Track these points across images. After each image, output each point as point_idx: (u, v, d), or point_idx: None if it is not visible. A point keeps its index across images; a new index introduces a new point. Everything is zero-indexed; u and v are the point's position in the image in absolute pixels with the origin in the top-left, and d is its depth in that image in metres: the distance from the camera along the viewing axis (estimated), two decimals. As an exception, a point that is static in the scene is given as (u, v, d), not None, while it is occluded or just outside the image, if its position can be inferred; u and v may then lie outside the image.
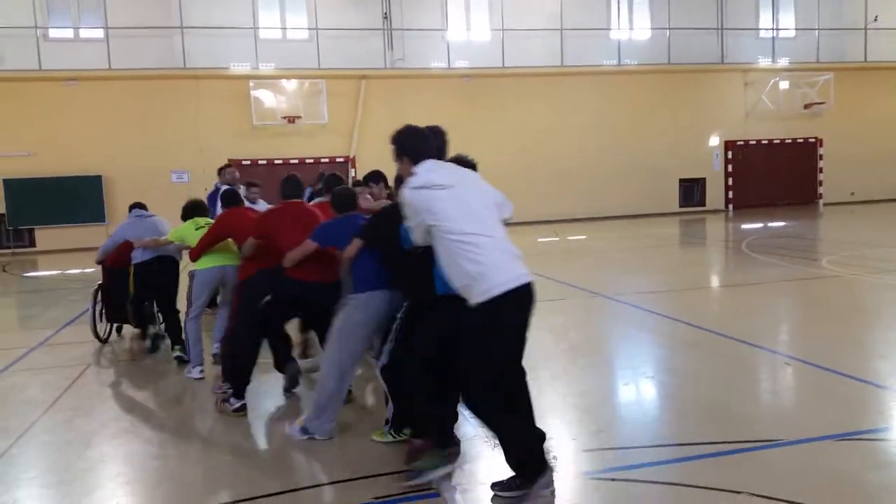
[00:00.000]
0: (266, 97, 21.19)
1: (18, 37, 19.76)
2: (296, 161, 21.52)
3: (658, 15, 24.65)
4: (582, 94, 23.51)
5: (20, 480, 4.41)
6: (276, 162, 21.47)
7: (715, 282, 11.46)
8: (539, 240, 17.90)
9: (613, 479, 4.02)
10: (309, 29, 21.97)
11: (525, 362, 6.42)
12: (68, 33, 20.76)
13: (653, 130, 24.06)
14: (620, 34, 24.42)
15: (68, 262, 16.96)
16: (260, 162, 21.30)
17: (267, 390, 5.97)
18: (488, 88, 22.77)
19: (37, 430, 5.27)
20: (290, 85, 21.33)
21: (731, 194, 25.48)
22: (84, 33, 20.79)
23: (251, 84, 20.97)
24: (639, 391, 5.81)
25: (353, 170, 21.94)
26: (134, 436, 5.15)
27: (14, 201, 19.45)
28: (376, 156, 21.67)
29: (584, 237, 18.51)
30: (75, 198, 19.60)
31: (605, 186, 23.49)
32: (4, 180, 19.39)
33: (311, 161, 21.65)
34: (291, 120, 21.20)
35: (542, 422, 4.99)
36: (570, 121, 23.36)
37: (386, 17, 22.26)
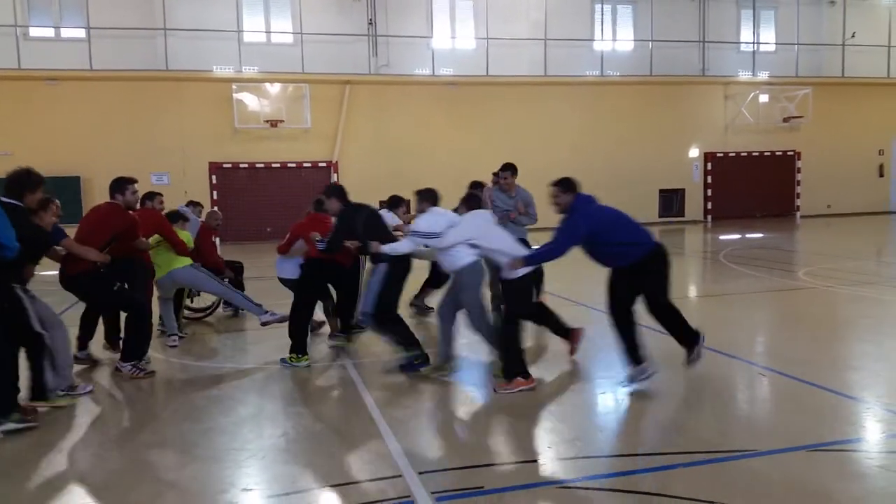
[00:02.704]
0: (249, 100, 21.11)
1: (-2, 35, 19.55)
2: (278, 165, 21.46)
3: (641, 27, 24.90)
4: (565, 104, 23.68)
5: None
6: (258, 165, 21.38)
7: (692, 292, 11.54)
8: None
9: (588, 489, 4.03)
10: (294, 33, 21.94)
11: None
12: (49, 32, 20.57)
13: (634, 141, 24.28)
14: (604, 45, 24.63)
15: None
16: (241, 165, 21.21)
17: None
18: (472, 96, 22.86)
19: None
20: (274, 89, 21.27)
21: (709, 205, 25.73)
22: (65, 33, 20.61)
23: (234, 87, 20.89)
24: (615, 400, 5.82)
25: (335, 174, 21.91)
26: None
27: (-10, 201, 19.17)
28: (359, 160, 21.85)
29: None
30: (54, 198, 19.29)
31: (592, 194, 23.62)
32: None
33: (294, 165, 21.59)
34: (274, 124, 21.12)
35: (517, 429, 5.09)
36: (552, 130, 23.50)
37: (371, 24, 22.29)
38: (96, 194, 19.28)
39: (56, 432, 5.28)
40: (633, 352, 5.85)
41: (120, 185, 6.66)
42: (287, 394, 6.22)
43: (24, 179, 5.51)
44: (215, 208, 11.54)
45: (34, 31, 20.40)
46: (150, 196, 7.80)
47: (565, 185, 6.18)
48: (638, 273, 5.76)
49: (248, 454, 4.70)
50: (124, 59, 20.31)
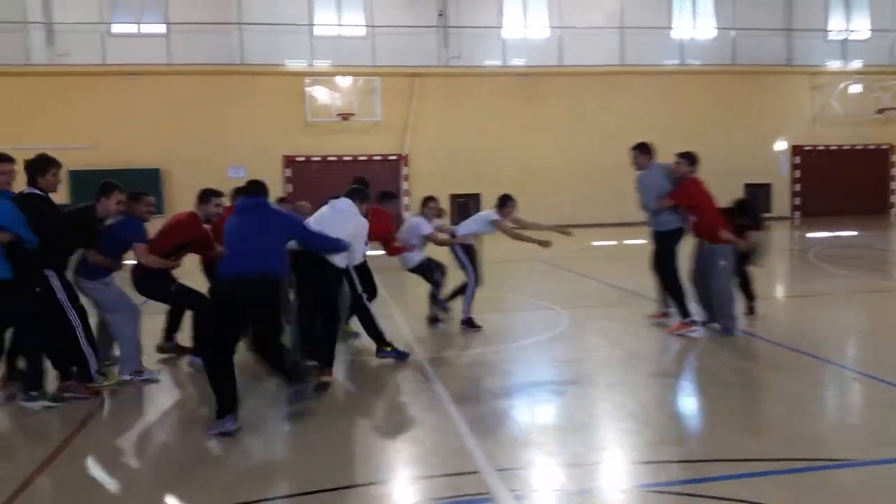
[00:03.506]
0: (321, 94, 21.27)
1: (83, 32, 20.26)
2: (349, 158, 21.54)
3: (723, 14, 23.88)
4: (642, 94, 22.92)
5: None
6: (330, 159, 21.52)
7: (780, 292, 10.89)
8: (593, 243, 17.45)
9: (671, 493, 3.76)
10: (365, 26, 21.98)
11: (580, 368, 6.25)
12: (131, 29, 21.21)
13: (716, 133, 23.27)
14: (682, 33, 23.74)
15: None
16: (313, 158, 21.39)
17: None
18: (545, 87, 22.39)
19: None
20: (345, 82, 21.36)
21: (797, 201, 24.49)
22: (146, 29, 21.22)
23: (306, 81, 21.08)
24: (699, 403, 5.49)
25: (404, 167, 21.86)
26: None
27: (78, 192, 19.93)
28: (429, 153, 21.73)
29: (644, 242, 17.91)
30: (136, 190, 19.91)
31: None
32: (70, 171, 19.89)
33: (364, 158, 21.64)
34: (345, 117, 21.22)
35: (598, 431, 4.79)
36: (627, 121, 22.77)
37: (441, 15, 22.10)
38: (175, 187, 19.81)
39: (123, 412, 5.32)
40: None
41: (206, 196, 6.51)
42: (362, 385, 6.13)
43: (33, 164, 5.51)
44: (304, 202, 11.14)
45: (116, 28, 21.08)
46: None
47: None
48: None
49: (320, 443, 4.59)
50: (201, 54, 20.77)
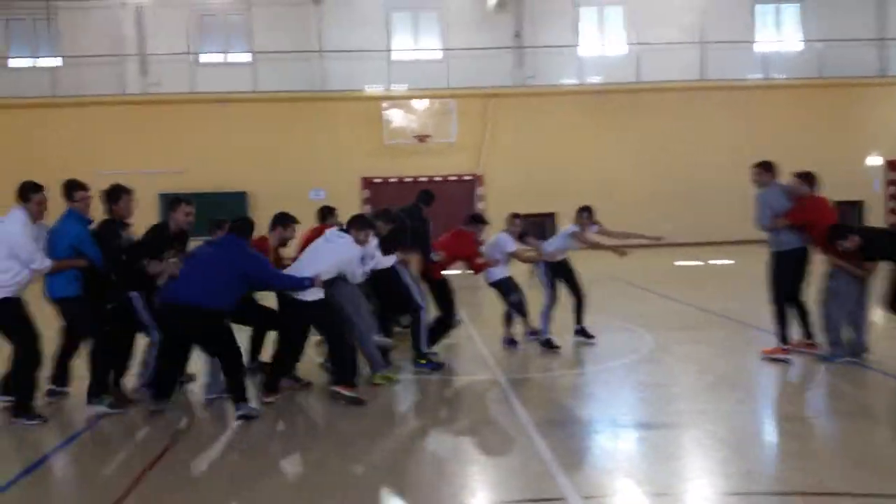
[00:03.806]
0: (397, 117, 21.62)
1: (174, 62, 21.34)
2: (425, 179, 21.70)
3: (809, 25, 22.99)
4: (722, 110, 22.25)
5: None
6: (406, 180, 21.77)
7: (879, 316, 10.26)
8: (676, 263, 16.97)
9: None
10: (441, 49, 22.26)
11: (667, 393, 6.03)
12: (218, 58, 22.17)
13: (800, 148, 22.17)
14: (766, 46, 22.97)
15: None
16: (390, 180, 21.68)
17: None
18: (622, 104, 22.06)
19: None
20: (421, 104, 21.65)
21: (894, 219, 23.15)
22: (232, 58, 22.13)
23: (384, 105, 21.47)
24: (794, 432, 5.19)
25: (479, 187, 21.89)
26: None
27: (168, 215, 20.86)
28: (503, 173, 21.70)
29: (731, 262, 17.34)
30: (222, 213, 20.49)
31: (750, 208, 21.96)
32: (160, 195, 20.85)
33: (440, 179, 21.78)
34: (422, 139, 21.48)
35: (687, 459, 4.59)
36: (710, 137, 22.15)
37: (518, 35, 22.15)
38: (260, 209, 20.44)
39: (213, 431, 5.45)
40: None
41: (283, 220, 6.59)
42: (443, 406, 6.15)
43: (107, 193, 6.04)
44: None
45: (205, 58, 22.08)
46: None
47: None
48: None
49: (401, 464, 4.59)
50: (284, 81, 21.49)
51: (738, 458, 4.59)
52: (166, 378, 5.75)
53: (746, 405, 5.85)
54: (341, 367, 5.99)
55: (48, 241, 5.77)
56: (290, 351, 6.14)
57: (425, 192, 7.79)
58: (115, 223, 6.02)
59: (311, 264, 5.89)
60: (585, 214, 8.06)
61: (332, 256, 5.97)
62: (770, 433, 5.28)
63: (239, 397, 5.57)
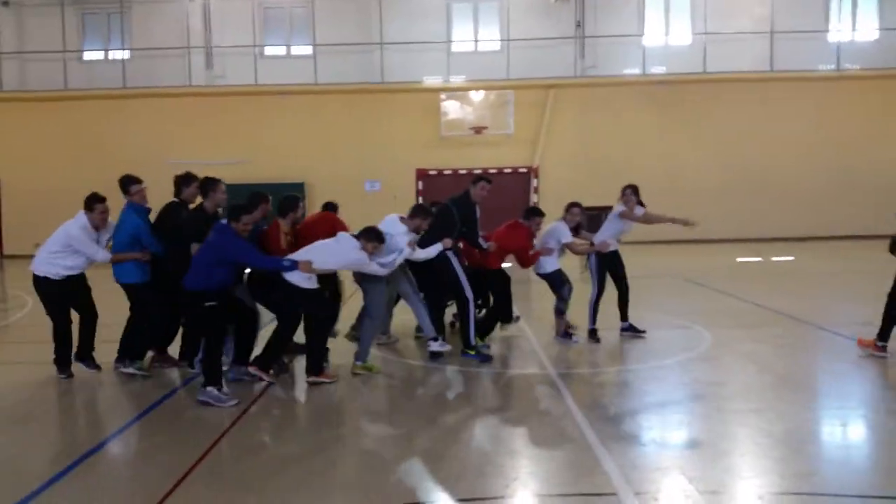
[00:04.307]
0: (455, 109, 21.59)
1: (238, 55, 21.82)
2: (479, 171, 21.68)
3: (888, 13, 21.93)
4: (792, 102, 21.43)
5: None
6: (461, 172, 21.75)
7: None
8: (738, 260, 16.51)
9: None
10: (500, 40, 22.13)
11: (724, 392, 5.90)
12: (281, 51, 22.58)
13: (881, 142, 21.36)
14: (840, 36, 22.04)
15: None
16: (445, 172, 21.71)
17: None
18: (687, 95, 21.48)
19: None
20: (479, 96, 21.57)
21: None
22: (295, 51, 22.51)
23: (442, 96, 21.49)
24: (855, 433, 5.04)
25: (535, 180, 21.72)
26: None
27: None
28: (560, 165, 21.48)
29: (791, 258, 16.78)
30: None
31: (821, 203, 21.10)
32: (226, 185, 21.42)
33: (495, 171, 21.70)
34: (478, 130, 21.41)
35: (743, 458, 4.48)
36: (778, 131, 21.40)
37: (579, 25, 21.83)
38: (318, 200, 20.76)
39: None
40: None
41: (290, 204, 6.87)
42: (494, 398, 6.14)
43: (177, 180, 6.78)
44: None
45: (269, 51, 22.52)
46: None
47: None
48: None
49: (451, 454, 4.61)
50: (344, 74, 21.73)
51: (794, 458, 4.46)
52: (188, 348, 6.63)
53: (806, 405, 5.67)
54: (313, 357, 6.34)
55: (113, 234, 6.59)
56: (284, 335, 6.38)
57: (478, 177, 7.65)
58: (181, 206, 6.64)
59: (311, 254, 6.13)
60: (629, 191, 7.91)
61: (335, 258, 6.30)
62: (830, 434, 5.11)
63: (209, 381, 5.78)
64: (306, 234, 6.72)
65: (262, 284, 6.28)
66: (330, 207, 7.68)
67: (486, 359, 7.04)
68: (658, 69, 21.92)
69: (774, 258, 16.74)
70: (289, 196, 6.84)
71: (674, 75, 21.66)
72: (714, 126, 21.38)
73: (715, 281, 12.71)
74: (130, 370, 6.63)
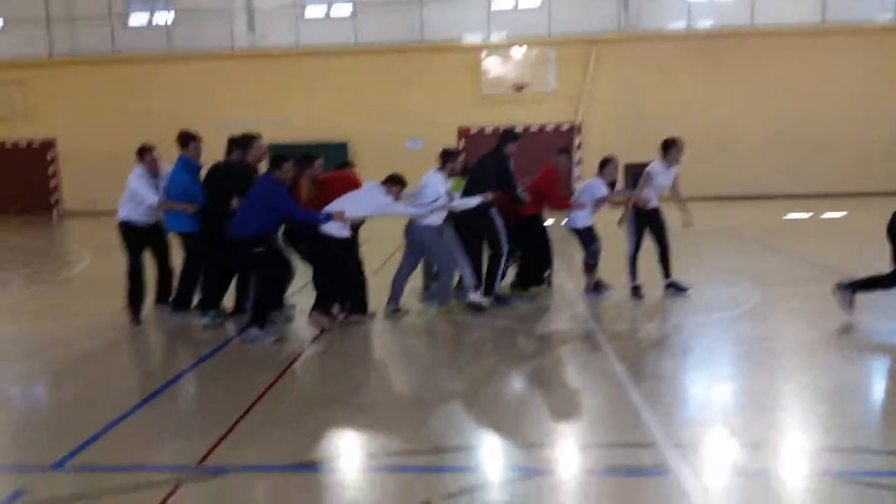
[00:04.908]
0: (495, 66, 21.34)
1: (279, 17, 21.86)
2: (521, 129, 21.46)
3: (952, -44, 20.81)
4: (847, 55, 20.61)
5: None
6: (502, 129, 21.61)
7: None
8: (788, 216, 16.15)
9: (866, 484, 3.47)
10: (542, -5, 21.68)
11: (770, 348, 5.86)
12: (321, 12, 22.52)
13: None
14: (898, -17, 21.00)
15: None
16: (486, 130, 21.58)
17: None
18: (734, 49, 20.84)
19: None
20: (520, 53, 21.27)
21: None
22: (334, 12, 22.43)
23: (483, 54, 21.24)
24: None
25: (577, 137, 21.44)
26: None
27: (274, 165, 21.70)
28: (603, 122, 21.14)
29: (842, 214, 16.34)
30: (325, 163, 21.30)
31: (874, 157, 20.43)
32: (269, 145, 21.65)
33: (536, 129, 21.49)
34: (519, 88, 21.17)
35: (786, 413, 4.48)
36: (831, 84, 20.65)
37: (623, -23, 21.24)
38: (359, 160, 20.89)
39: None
40: None
41: (306, 161, 7.12)
42: (534, 351, 6.20)
43: (235, 139, 7.03)
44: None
45: (309, 12, 22.48)
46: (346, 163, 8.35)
47: None
48: None
49: (491, 402, 4.69)
50: (384, 33, 21.61)
51: (839, 413, 4.44)
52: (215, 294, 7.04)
53: (854, 362, 5.60)
54: (324, 296, 6.79)
55: (166, 185, 7.03)
56: (330, 282, 6.78)
57: (505, 131, 7.85)
58: (231, 165, 6.91)
59: (341, 205, 6.56)
60: (671, 143, 7.68)
61: (364, 204, 6.73)
62: (878, 391, 5.06)
63: (255, 321, 6.29)
64: (327, 189, 7.02)
65: (299, 236, 6.74)
66: (345, 165, 8.10)
67: (479, 308, 7.19)
68: (704, 22, 21.26)
69: (825, 214, 16.33)
70: (306, 154, 7.21)
71: (720, 28, 21.00)
72: (762, 80, 20.73)
73: (763, 237, 12.50)
74: (206, 320, 6.93)
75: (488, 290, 7.43)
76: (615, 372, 5.32)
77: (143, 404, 4.87)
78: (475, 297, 7.25)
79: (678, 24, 21.42)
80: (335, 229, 6.54)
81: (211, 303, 7.01)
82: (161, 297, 7.37)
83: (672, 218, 7.87)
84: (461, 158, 7.39)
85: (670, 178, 7.78)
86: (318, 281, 6.84)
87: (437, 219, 6.99)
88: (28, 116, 22.53)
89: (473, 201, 7.09)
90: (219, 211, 6.64)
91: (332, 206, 6.57)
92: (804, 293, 7.90)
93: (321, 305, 6.78)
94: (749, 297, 7.75)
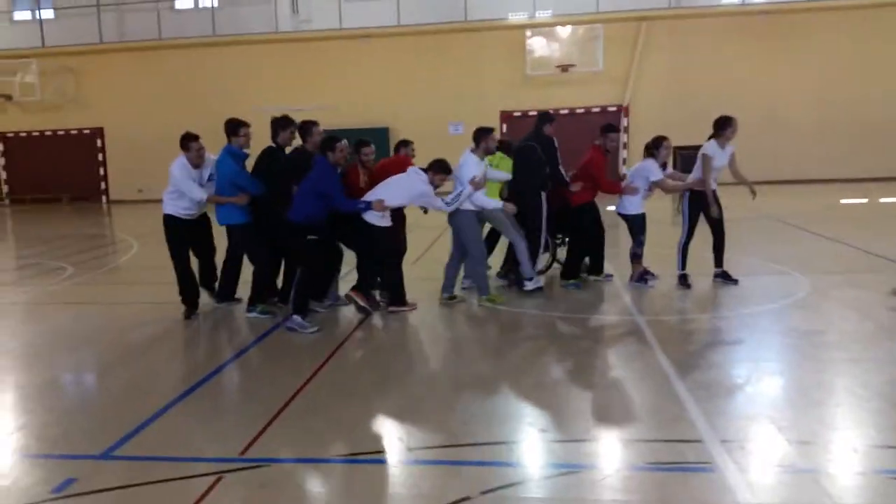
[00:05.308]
0: (540, 46, 21.04)
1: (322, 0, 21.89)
2: (566, 111, 21.18)
3: None
4: (907, 29, 19.77)
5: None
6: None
7: None
8: (842, 201, 15.62)
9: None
10: (589, -29, 21.25)
11: (820, 340, 5.68)
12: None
13: None
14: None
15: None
16: (530, 113, 21.32)
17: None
18: (790, 26, 20.15)
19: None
20: (566, 32, 20.91)
21: None
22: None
23: (527, 33, 20.95)
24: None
25: (625, 119, 21.04)
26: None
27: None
28: (652, 103, 20.67)
29: (898, 199, 15.76)
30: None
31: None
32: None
33: (582, 111, 21.16)
34: (565, 68, 20.84)
35: (837, 409, 4.35)
36: (888, 63, 19.82)
37: (675, -47, 20.67)
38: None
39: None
40: None
41: (359, 146, 7.10)
42: (577, 343, 6.13)
43: (273, 123, 6.89)
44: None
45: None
46: (405, 143, 8.01)
47: None
48: None
49: (533, 394, 4.67)
50: (427, 14, 21.46)
51: (893, 410, 4.28)
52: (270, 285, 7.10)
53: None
54: (363, 279, 6.84)
55: (212, 176, 6.92)
56: (372, 268, 6.84)
57: (542, 114, 7.80)
58: (278, 150, 6.84)
59: (382, 190, 6.58)
60: (725, 121, 7.34)
61: (403, 191, 6.66)
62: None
63: (296, 309, 6.37)
64: (381, 175, 6.98)
65: (342, 223, 6.70)
66: (403, 144, 7.84)
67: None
68: (758, -2, 20.61)
69: (882, 199, 15.74)
70: (359, 140, 7.13)
71: (775, 4, 20.29)
72: (817, 59, 20.03)
73: (816, 224, 12.10)
74: (254, 314, 6.95)
75: (518, 273, 7.54)
76: (660, 364, 5.23)
77: (189, 393, 4.98)
78: (531, 284, 7.40)
79: (732, 0, 20.78)
80: (375, 218, 6.55)
81: (258, 297, 7.00)
82: (204, 282, 7.40)
83: (729, 203, 7.64)
84: (495, 135, 7.35)
85: (727, 158, 7.44)
86: (360, 266, 6.90)
87: (449, 206, 6.97)
88: (79, 103, 23.15)
89: (491, 204, 7.16)
90: (276, 199, 6.56)
91: (373, 194, 6.57)
92: (856, 283, 7.64)
93: (361, 288, 6.81)
94: (799, 286, 7.53)
